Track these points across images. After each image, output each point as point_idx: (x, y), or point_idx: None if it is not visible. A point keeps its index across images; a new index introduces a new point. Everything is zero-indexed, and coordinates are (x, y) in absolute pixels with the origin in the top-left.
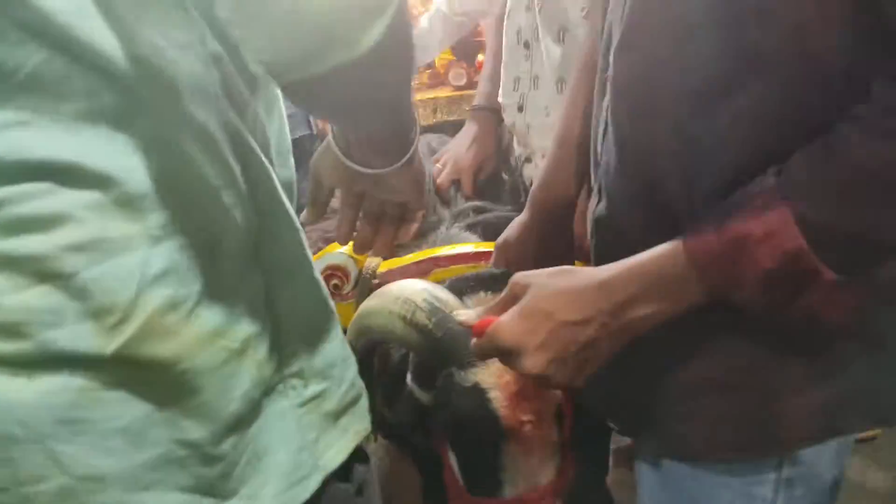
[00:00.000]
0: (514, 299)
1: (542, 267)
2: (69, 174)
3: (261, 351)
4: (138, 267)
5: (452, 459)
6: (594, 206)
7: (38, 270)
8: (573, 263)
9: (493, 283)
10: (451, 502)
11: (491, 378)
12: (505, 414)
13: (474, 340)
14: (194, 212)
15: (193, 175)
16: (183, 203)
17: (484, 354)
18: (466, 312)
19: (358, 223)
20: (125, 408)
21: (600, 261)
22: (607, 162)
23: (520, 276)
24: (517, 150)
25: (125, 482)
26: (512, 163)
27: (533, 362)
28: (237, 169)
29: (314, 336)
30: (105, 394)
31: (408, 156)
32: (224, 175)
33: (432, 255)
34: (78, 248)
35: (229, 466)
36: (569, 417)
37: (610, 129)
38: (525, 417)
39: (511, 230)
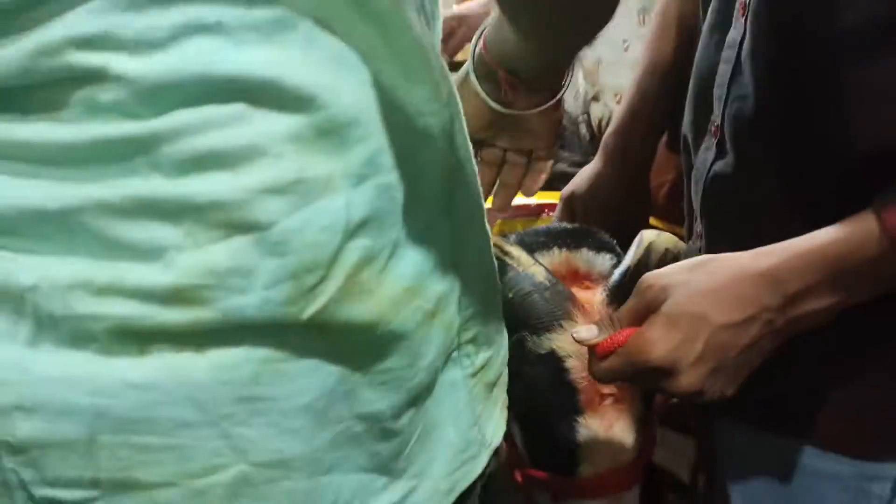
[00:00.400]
0: (648, 305)
1: (615, 223)
2: (264, 95)
3: (448, 314)
4: (343, 213)
5: (515, 431)
6: (709, 161)
7: (226, 221)
8: (648, 220)
9: (567, 238)
10: (512, 473)
11: (569, 345)
12: (584, 386)
13: (598, 362)
14: (398, 143)
15: (404, 96)
16: (389, 132)
17: (617, 377)
18: (588, 329)
19: None
20: (311, 381)
21: (713, 226)
22: (739, 109)
23: (653, 278)
24: (581, 85)
25: (309, 466)
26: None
27: (690, 379)
28: (444, 89)
29: (488, 296)
30: (290, 365)
31: (559, 96)
32: (432, 97)
33: (487, 206)
34: (276, 190)
35: (403, 443)
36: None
37: (746, 70)
38: (607, 390)
39: (580, 180)
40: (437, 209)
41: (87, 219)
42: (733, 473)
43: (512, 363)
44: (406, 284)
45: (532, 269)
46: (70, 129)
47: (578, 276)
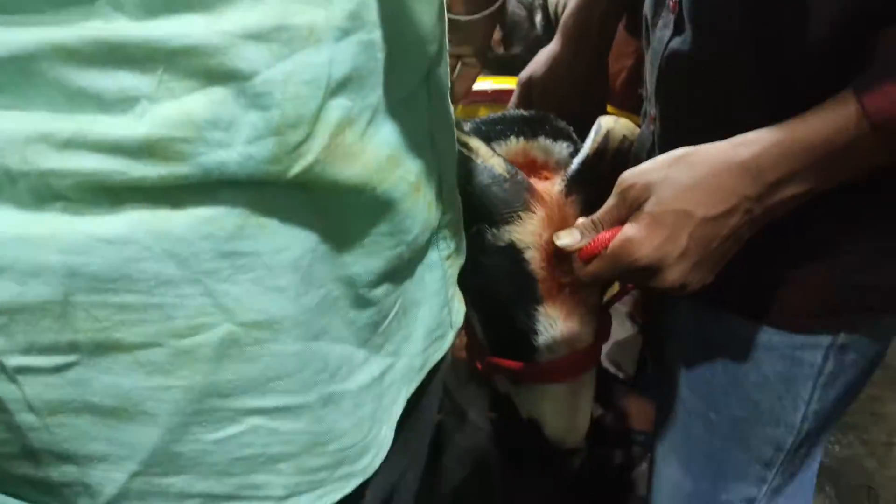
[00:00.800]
0: (630, 205)
1: (572, 108)
2: None
3: (430, 192)
4: (326, 68)
5: (474, 320)
6: (666, 38)
7: (204, 68)
8: (606, 106)
9: (523, 126)
10: (471, 360)
11: (528, 237)
12: (542, 276)
13: (583, 265)
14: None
15: None
16: None
17: (603, 279)
18: (569, 233)
19: None
20: (294, 238)
21: (667, 107)
22: None
23: (632, 177)
24: None
25: (296, 329)
26: None
27: (675, 275)
28: None
29: (455, 183)
30: (273, 221)
31: (497, 4)
32: None
33: None
34: (257, 36)
35: (379, 316)
36: None
37: None
38: (565, 279)
39: (537, 65)
40: (417, 80)
41: (44, 66)
42: (678, 347)
43: (471, 254)
44: (388, 153)
45: (491, 160)
46: None
47: (536, 166)
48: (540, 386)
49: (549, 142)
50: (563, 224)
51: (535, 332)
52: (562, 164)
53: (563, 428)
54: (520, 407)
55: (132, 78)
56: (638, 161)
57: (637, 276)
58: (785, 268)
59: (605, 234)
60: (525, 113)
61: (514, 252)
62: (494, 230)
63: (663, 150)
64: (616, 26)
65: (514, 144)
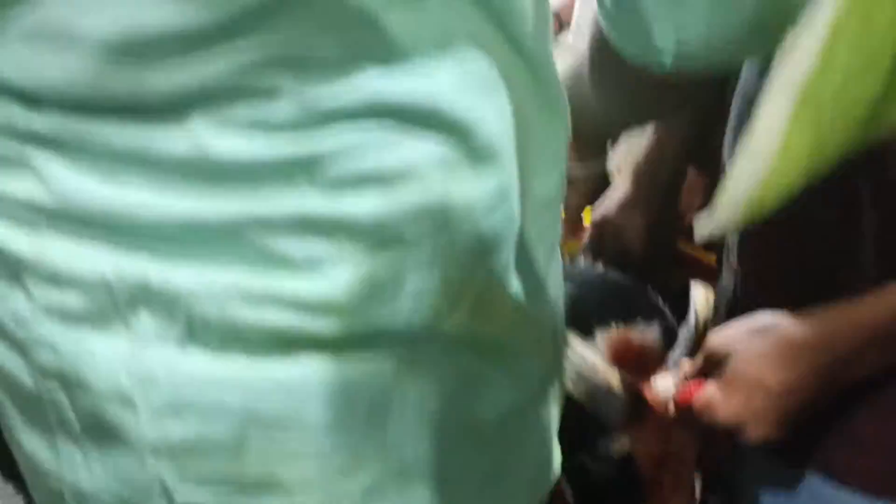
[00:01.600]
0: (713, 365)
1: (645, 248)
2: (420, 120)
3: (550, 345)
4: (478, 239)
5: (566, 487)
6: None
7: (378, 237)
8: (678, 244)
9: (621, 308)
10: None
11: (638, 445)
12: (648, 478)
13: (678, 411)
14: (524, 173)
15: (537, 127)
16: (520, 162)
17: (690, 426)
18: (664, 381)
19: None
20: (441, 386)
21: (752, 262)
22: None
23: (717, 340)
24: None
25: (437, 475)
26: None
27: (756, 433)
28: (563, 122)
29: (562, 340)
30: (424, 370)
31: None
32: (559, 128)
33: None
34: (424, 211)
35: (496, 466)
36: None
37: None
38: (666, 479)
39: (610, 206)
40: (535, 235)
41: (246, 232)
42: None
43: (576, 459)
44: (516, 307)
45: (607, 375)
46: (243, 144)
47: (632, 351)
48: None
49: (643, 325)
50: (671, 430)
51: None
52: (656, 348)
53: None
54: None
55: (318, 245)
56: (717, 309)
57: (723, 430)
58: (865, 426)
59: (693, 385)
60: (619, 281)
61: (622, 460)
62: (605, 440)
63: (745, 302)
64: (687, 166)
65: (615, 332)
